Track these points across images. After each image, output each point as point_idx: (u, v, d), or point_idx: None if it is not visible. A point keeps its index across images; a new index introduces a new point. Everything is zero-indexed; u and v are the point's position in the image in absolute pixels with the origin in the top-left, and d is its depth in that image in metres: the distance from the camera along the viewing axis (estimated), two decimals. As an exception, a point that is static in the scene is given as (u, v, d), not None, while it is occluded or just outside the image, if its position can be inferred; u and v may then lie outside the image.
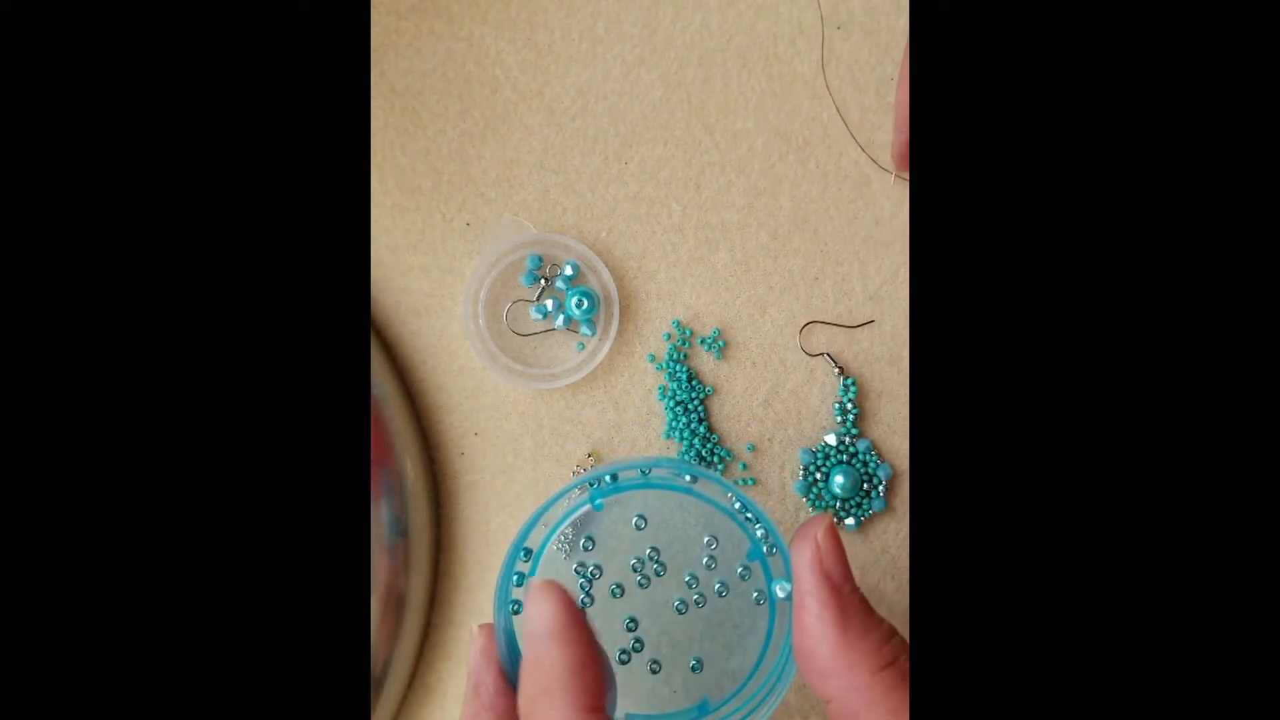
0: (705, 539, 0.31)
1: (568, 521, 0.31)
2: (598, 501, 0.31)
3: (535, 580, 0.29)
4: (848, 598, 0.27)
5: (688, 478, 0.31)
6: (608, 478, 0.30)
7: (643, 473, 0.31)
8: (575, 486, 0.30)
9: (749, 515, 0.31)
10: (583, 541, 0.31)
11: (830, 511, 0.28)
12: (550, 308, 0.37)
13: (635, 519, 0.31)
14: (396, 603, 0.36)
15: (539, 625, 0.28)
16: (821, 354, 0.38)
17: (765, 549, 0.31)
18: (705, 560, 0.30)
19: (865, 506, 0.37)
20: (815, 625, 0.27)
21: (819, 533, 0.28)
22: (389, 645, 0.37)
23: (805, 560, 0.27)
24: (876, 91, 0.37)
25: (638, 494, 0.30)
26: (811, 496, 0.38)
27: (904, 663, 0.27)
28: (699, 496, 0.31)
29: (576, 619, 0.28)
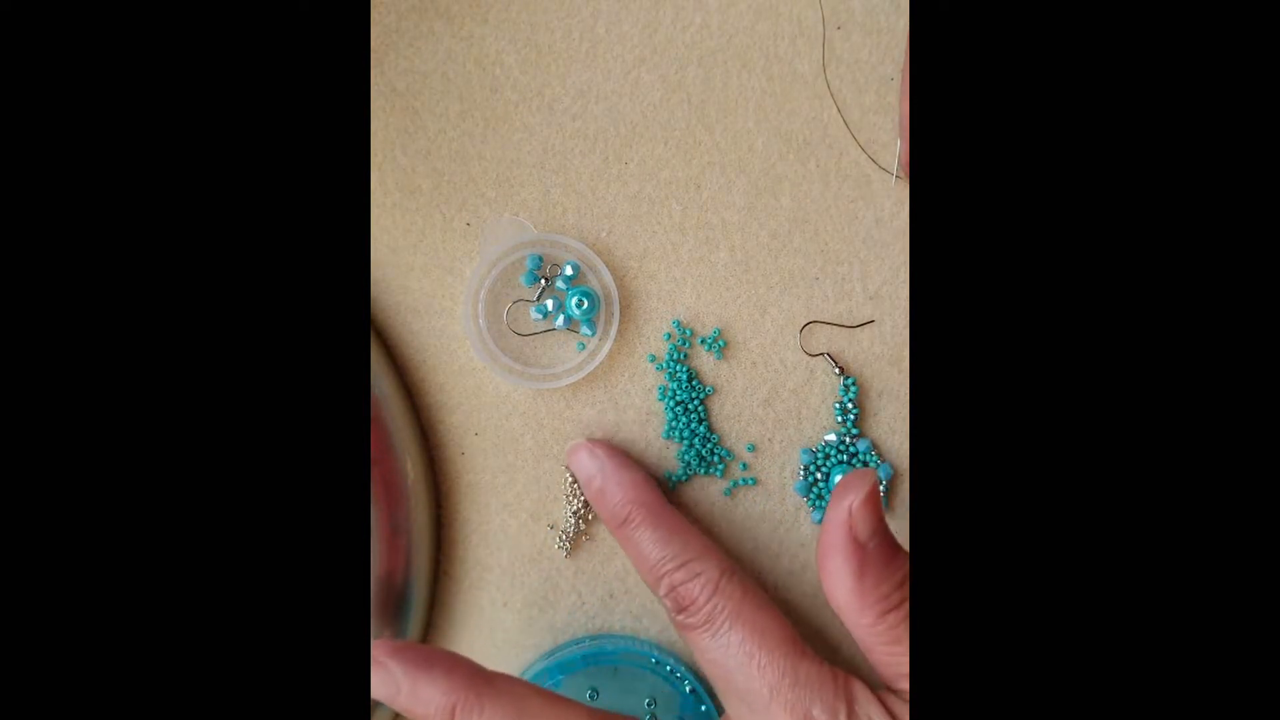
0: (645, 701, 0.37)
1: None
2: (558, 680, 0.36)
3: (573, 443, 0.37)
4: (869, 552, 0.30)
5: (615, 667, 0.37)
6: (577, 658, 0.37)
7: (587, 657, 0.37)
8: (540, 672, 0.36)
9: (678, 675, 0.37)
10: None
11: (872, 473, 0.31)
12: (550, 308, 0.37)
13: (589, 691, 0.37)
14: (396, 603, 0.37)
15: (594, 465, 0.36)
16: (821, 354, 0.38)
17: (696, 703, 0.37)
18: (647, 718, 0.37)
19: (865, 506, 0.38)
20: (836, 572, 0.31)
21: (855, 502, 0.30)
22: (389, 645, 0.37)
23: (838, 519, 0.30)
24: (877, 91, 0.37)
25: (591, 670, 0.37)
26: (812, 496, 0.37)
27: (908, 607, 0.31)
28: (638, 666, 0.37)
29: (624, 456, 0.36)
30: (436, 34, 0.37)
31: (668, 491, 0.38)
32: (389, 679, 0.31)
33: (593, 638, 0.38)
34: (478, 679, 0.31)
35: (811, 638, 0.38)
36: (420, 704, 0.30)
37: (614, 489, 0.35)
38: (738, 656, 0.32)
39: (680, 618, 0.33)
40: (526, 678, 0.36)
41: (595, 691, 0.36)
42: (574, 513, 0.38)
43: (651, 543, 0.34)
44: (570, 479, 0.38)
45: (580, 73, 0.37)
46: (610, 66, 0.37)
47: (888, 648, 0.30)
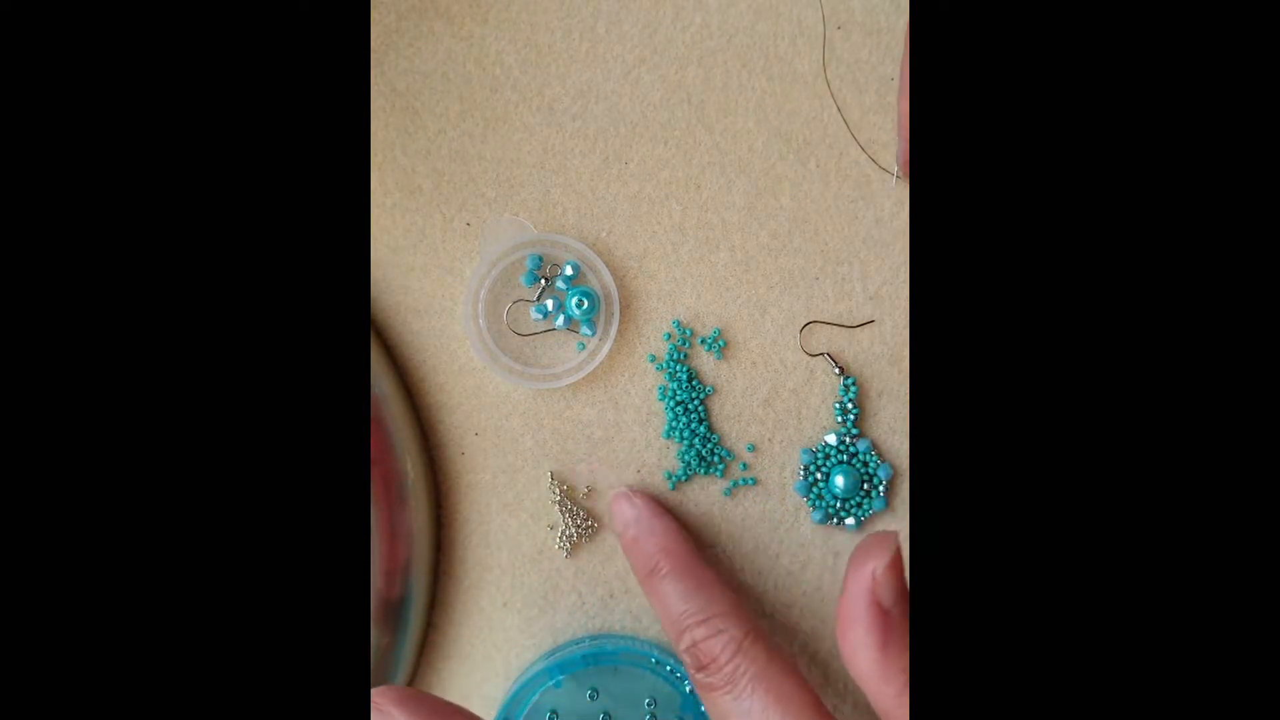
0: (645, 700, 0.36)
1: (537, 695, 0.36)
2: (558, 679, 0.36)
3: (614, 491, 0.37)
4: (894, 621, 0.29)
5: (616, 668, 0.37)
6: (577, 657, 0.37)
7: (588, 656, 0.37)
8: (540, 672, 0.37)
9: (678, 675, 0.36)
10: (548, 715, 0.36)
11: (894, 536, 0.29)
12: (550, 308, 0.37)
13: (589, 691, 0.37)
14: (396, 603, 0.37)
15: (632, 511, 0.36)
16: (821, 354, 0.38)
17: (696, 703, 0.36)
18: (647, 718, 0.37)
19: (865, 506, 0.37)
20: (859, 642, 0.29)
21: (880, 568, 0.29)
22: (389, 645, 0.37)
23: (859, 587, 0.29)
24: (877, 91, 0.37)
25: (591, 670, 0.37)
26: (812, 496, 0.38)
27: None
28: (638, 666, 0.37)
29: (660, 507, 0.36)
30: (436, 34, 0.37)
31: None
32: None
33: (593, 638, 0.38)
34: None
35: (812, 636, 0.38)
36: None
37: (646, 537, 0.35)
38: None
39: (699, 676, 0.32)
40: (526, 678, 0.36)
41: (595, 691, 0.36)
42: (568, 518, 0.38)
43: (676, 594, 0.33)
44: (559, 487, 0.38)
45: (580, 73, 0.37)
46: (610, 66, 0.37)
47: None
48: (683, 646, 0.33)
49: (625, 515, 0.36)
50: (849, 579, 0.29)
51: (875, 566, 0.29)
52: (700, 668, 0.32)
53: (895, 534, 0.30)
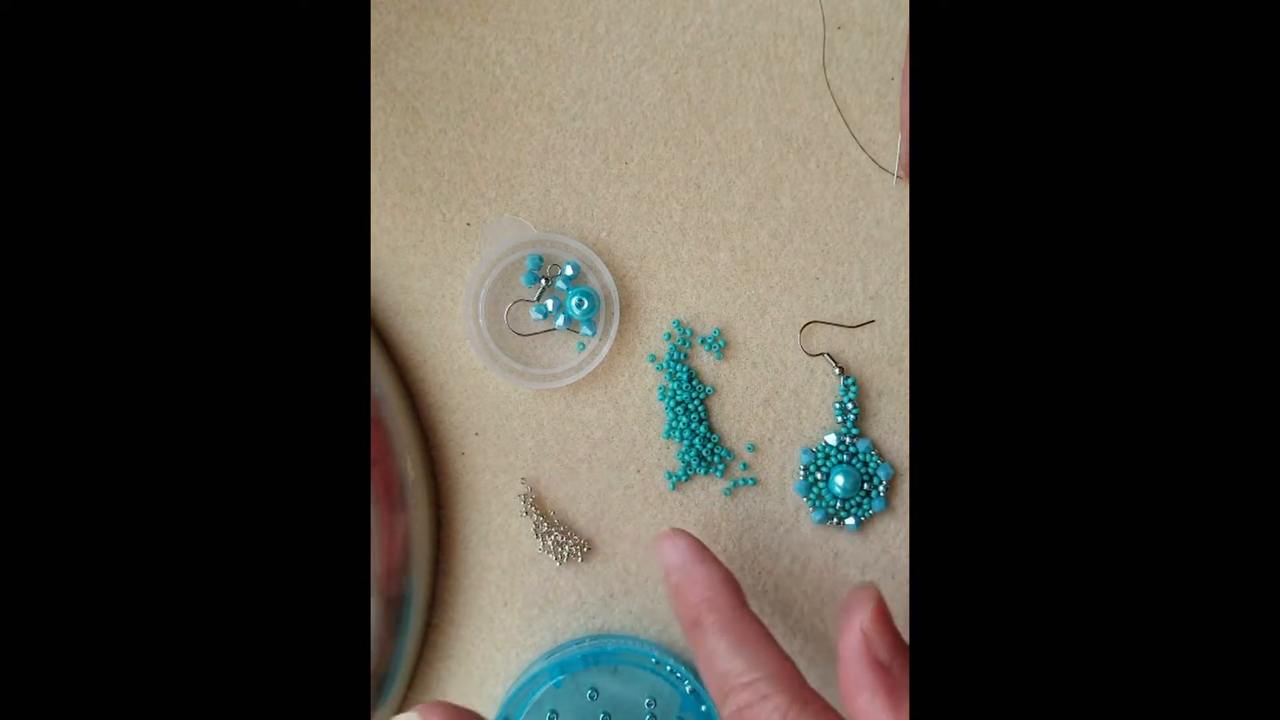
0: (645, 701, 0.36)
1: (539, 693, 0.37)
2: (558, 679, 0.36)
3: (663, 530, 0.35)
4: (898, 677, 0.28)
5: (615, 667, 0.37)
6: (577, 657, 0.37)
7: (587, 656, 0.37)
8: (540, 672, 0.37)
9: (678, 675, 0.36)
10: (548, 715, 0.36)
11: (874, 587, 0.29)
12: (550, 308, 0.37)
13: (589, 691, 0.36)
14: (396, 603, 0.37)
15: (677, 556, 0.34)
16: (821, 354, 0.38)
17: (696, 703, 0.36)
18: (647, 718, 0.37)
19: (865, 506, 0.37)
20: (868, 705, 0.28)
21: (865, 619, 0.28)
22: (389, 645, 0.37)
23: (853, 648, 0.29)
24: (877, 91, 0.37)
25: (591, 670, 0.37)
26: (812, 496, 0.38)
27: None
28: (638, 666, 0.37)
29: (707, 550, 0.34)
30: (436, 34, 0.37)
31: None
32: None
33: (593, 638, 0.38)
34: None
35: (813, 636, 0.38)
36: None
37: (689, 586, 0.33)
38: None
39: None
40: (526, 678, 0.36)
41: (595, 691, 0.36)
42: (545, 534, 0.38)
43: (722, 652, 0.31)
44: (528, 500, 0.38)
45: (580, 73, 0.37)
46: (610, 66, 0.37)
47: None
48: (726, 712, 0.31)
49: (669, 561, 0.34)
50: (841, 644, 0.29)
51: (861, 620, 0.28)
52: None
53: (873, 585, 0.29)
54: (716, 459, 0.38)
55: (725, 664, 0.31)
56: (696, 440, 0.37)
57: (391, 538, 0.36)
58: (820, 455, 0.37)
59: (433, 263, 0.38)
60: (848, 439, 0.37)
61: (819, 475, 0.37)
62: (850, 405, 0.37)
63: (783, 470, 0.38)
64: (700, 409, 0.38)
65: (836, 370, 0.38)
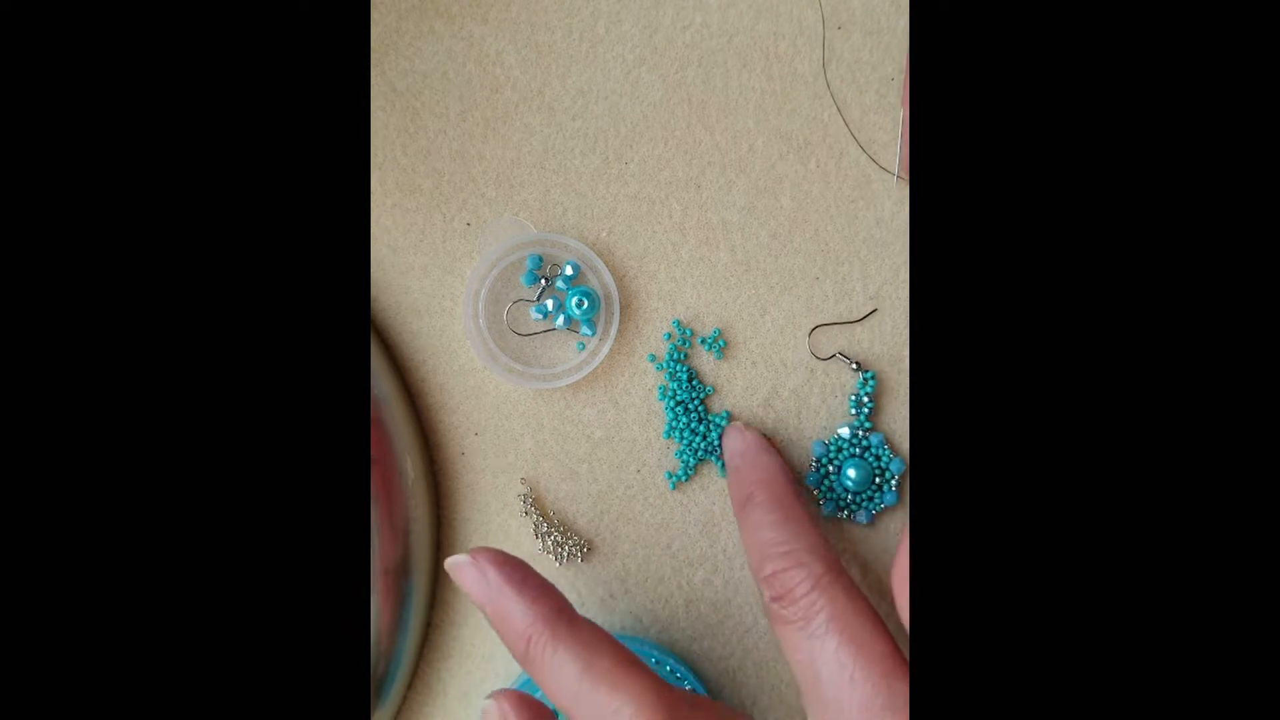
0: None
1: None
2: None
3: (728, 425, 0.37)
4: None
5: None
6: None
7: None
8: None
9: (678, 675, 0.36)
10: None
11: None
12: (550, 308, 0.37)
13: None
14: (397, 602, 0.37)
15: (741, 443, 0.36)
16: (833, 355, 0.38)
17: None
18: None
19: (877, 500, 0.37)
20: None
21: None
22: (389, 645, 0.37)
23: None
24: (877, 91, 0.37)
25: None
26: (823, 489, 0.37)
27: None
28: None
29: (767, 443, 0.36)
30: (436, 34, 0.37)
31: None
32: (483, 584, 0.31)
33: None
34: (560, 617, 0.30)
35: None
36: (501, 620, 0.30)
37: (747, 469, 0.35)
38: (830, 665, 0.30)
39: (774, 606, 0.32)
40: (526, 678, 0.36)
41: None
42: (545, 534, 0.38)
43: (765, 523, 0.33)
44: (528, 500, 0.38)
45: (580, 73, 0.37)
46: (610, 66, 0.37)
47: None
48: (762, 575, 0.32)
49: (733, 446, 0.36)
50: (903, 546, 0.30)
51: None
52: (776, 598, 0.32)
53: None
54: (717, 459, 0.38)
55: (768, 534, 0.33)
56: (696, 440, 0.37)
57: (392, 537, 0.36)
58: (833, 448, 0.37)
59: (433, 263, 0.38)
60: (861, 432, 0.37)
61: (831, 468, 0.37)
62: (866, 399, 0.37)
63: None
64: (700, 409, 0.38)
65: (854, 365, 0.37)
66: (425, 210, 0.38)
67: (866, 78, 0.37)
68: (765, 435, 0.37)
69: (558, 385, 0.37)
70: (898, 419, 0.38)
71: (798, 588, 0.31)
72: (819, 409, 0.38)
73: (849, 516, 0.38)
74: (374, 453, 0.36)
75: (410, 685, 0.38)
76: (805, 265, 0.38)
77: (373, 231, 0.38)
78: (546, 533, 0.38)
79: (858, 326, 0.38)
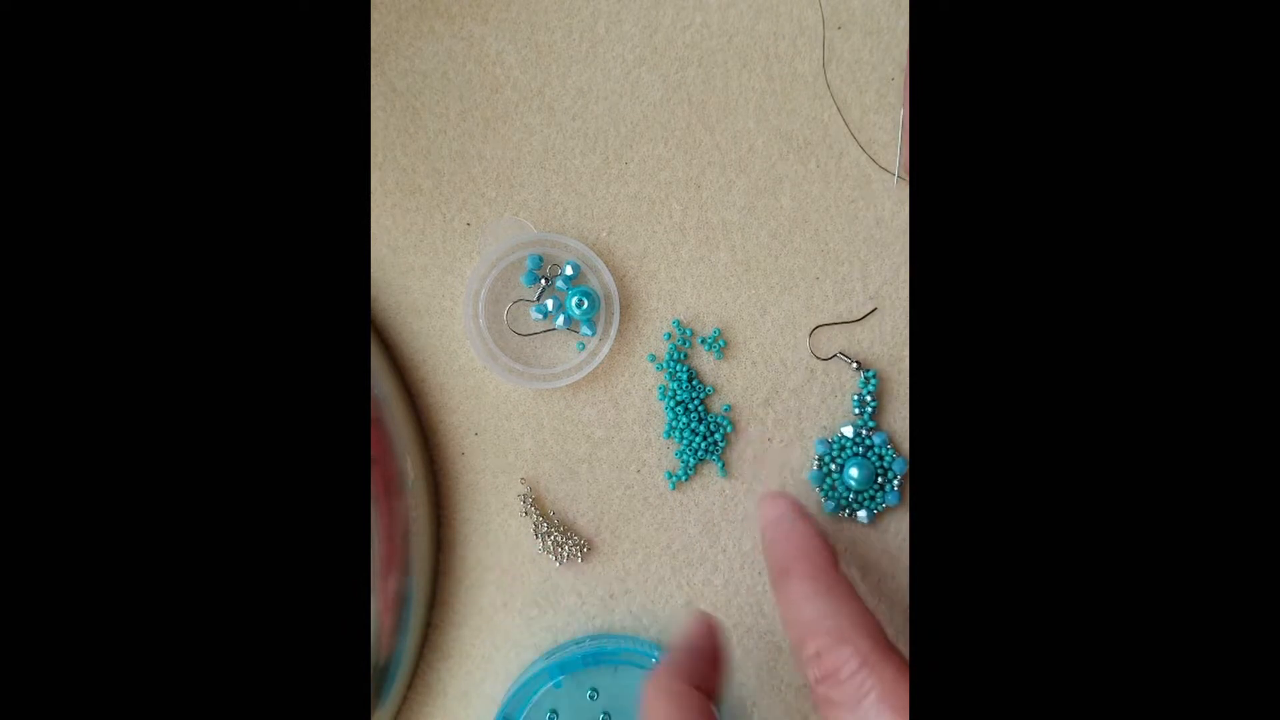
0: None
1: (538, 694, 0.37)
2: (558, 679, 0.36)
3: (765, 492, 0.36)
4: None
5: (616, 667, 0.37)
6: (577, 656, 0.37)
7: (587, 656, 0.37)
8: (540, 672, 0.37)
9: None
10: (548, 715, 0.36)
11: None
12: (550, 308, 0.37)
13: (589, 691, 0.37)
14: (396, 602, 0.37)
15: (777, 511, 0.35)
16: (834, 355, 0.38)
17: None
18: None
19: (879, 499, 0.37)
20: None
21: None
22: (389, 645, 0.37)
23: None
24: (877, 91, 0.37)
25: (591, 670, 0.37)
26: (825, 487, 0.37)
27: None
28: (638, 666, 0.36)
29: (803, 510, 0.35)
30: (436, 34, 0.37)
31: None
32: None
33: (593, 638, 0.38)
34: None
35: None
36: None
37: (784, 540, 0.33)
38: None
39: (821, 689, 0.30)
40: (526, 678, 0.36)
41: (595, 691, 0.36)
42: (545, 534, 0.38)
43: (804, 597, 0.31)
44: (528, 500, 0.38)
45: (580, 73, 0.37)
46: (610, 66, 0.37)
47: None
48: (805, 654, 0.30)
49: (768, 515, 0.35)
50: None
51: None
52: (821, 680, 0.30)
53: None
54: (716, 458, 0.38)
55: (809, 610, 0.31)
56: (696, 440, 0.37)
57: (391, 537, 0.36)
58: (836, 447, 0.37)
59: (433, 263, 0.38)
60: (864, 431, 0.37)
61: (834, 466, 0.37)
62: (869, 398, 0.37)
63: (783, 469, 0.38)
64: (700, 409, 0.38)
65: (855, 365, 0.37)
66: (425, 210, 0.38)
67: (866, 78, 0.37)
68: (799, 503, 0.35)
69: (558, 385, 0.37)
70: (898, 419, 0.38)
71: (844, 667, 0.29)
72: (819, 409, 0.38)
73: (850, 515, 0.38)
74: (374, 453, 0.36)
75: (410, 685, 0.38)
76: (805, 265, 0.38)
77: (373, 231, 0.38)
78: (546, 533, 0.38)
79: (857, 326, 0.38)
